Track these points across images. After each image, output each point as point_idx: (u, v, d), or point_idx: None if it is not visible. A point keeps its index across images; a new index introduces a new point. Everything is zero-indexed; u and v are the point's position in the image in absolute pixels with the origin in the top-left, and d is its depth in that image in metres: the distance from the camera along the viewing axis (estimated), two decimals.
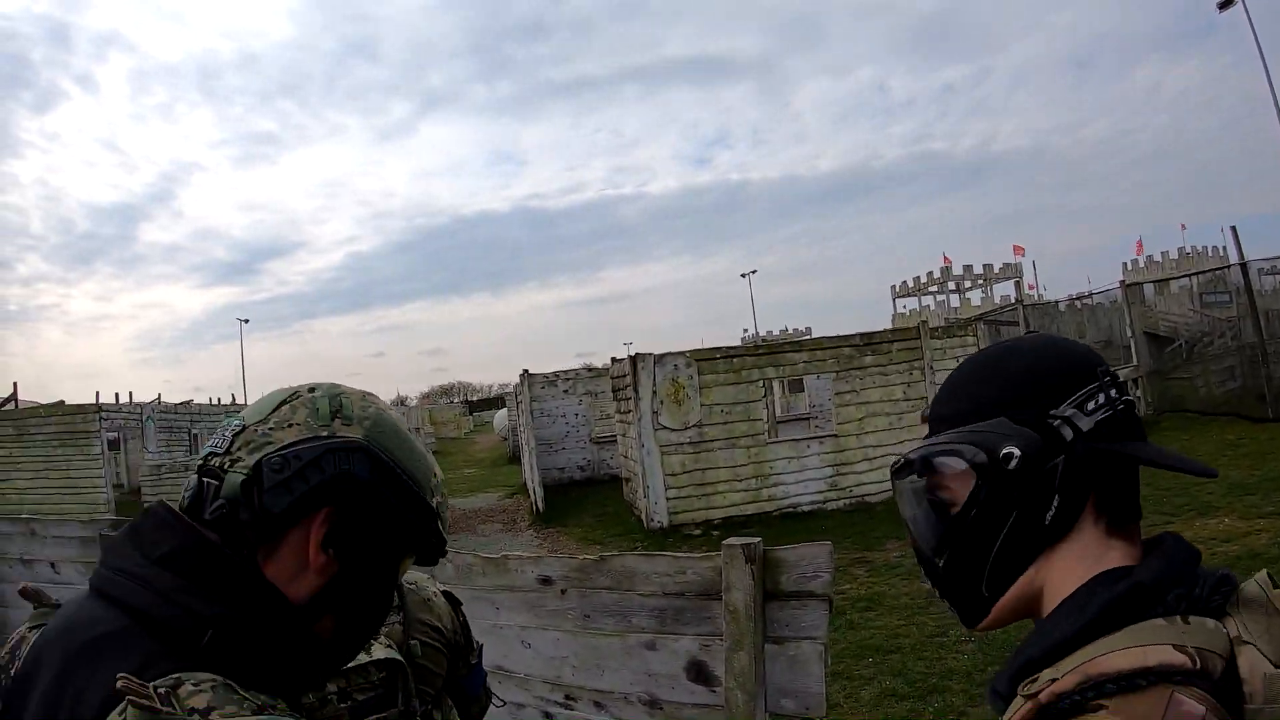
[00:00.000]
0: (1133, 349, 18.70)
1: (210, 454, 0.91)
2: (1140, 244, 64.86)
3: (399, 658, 1.71)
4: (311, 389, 0.97)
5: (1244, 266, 16.39)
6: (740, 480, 12.35)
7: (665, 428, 12.16)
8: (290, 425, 0.92)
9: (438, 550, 1.03)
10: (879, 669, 5.92)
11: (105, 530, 4.52)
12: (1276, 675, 0.69)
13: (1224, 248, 49.67)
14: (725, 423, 12.33)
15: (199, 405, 29.49)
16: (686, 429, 12.22)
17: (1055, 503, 0.83)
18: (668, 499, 12.12)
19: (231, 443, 0.91)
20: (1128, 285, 20.35)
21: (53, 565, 4.80)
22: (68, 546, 4.75)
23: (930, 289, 66.45)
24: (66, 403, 20.75)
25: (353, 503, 0.92)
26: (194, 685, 0.76)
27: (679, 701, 2.90)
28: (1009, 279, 62.97)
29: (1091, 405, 0.84)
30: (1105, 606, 0.77)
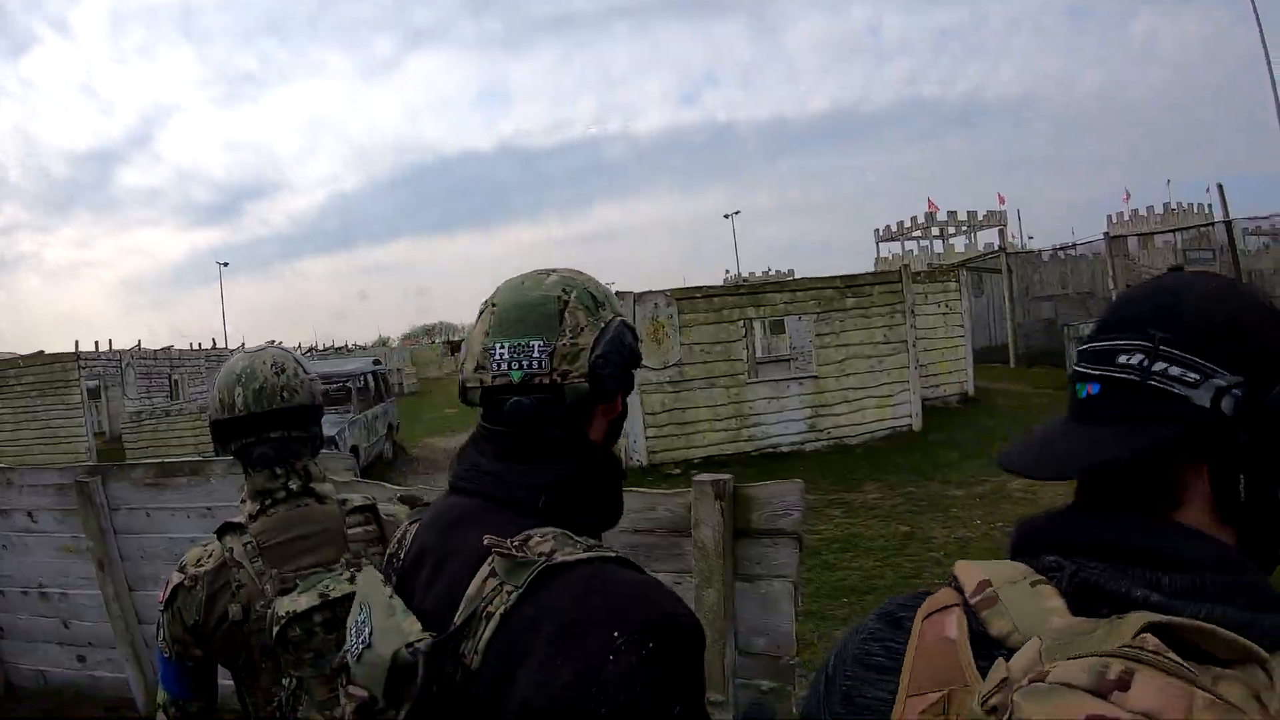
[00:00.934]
0: None
1: (531, 374, 1.09)
2: (1127, 195, 64.61)
3: None
4: (564, 290, 1.14)
5: (1228, 224, 16.41)
6: (720, 420, 12.39)
7: (645, 367, 12.11)
8: (583, 330, 1.11)
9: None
10: (854, 609, 5.97)
11: (80, 477, 4.48)
12: (999, 667, 0.68)
13: (1209, 206, 49.46)
14: (705, 362, 12.31)
15: (180, 350, 29.40)
16: (666, 368, 12.19)
17: None
18: (647, 438, 12.14)
19: (551, 361, 1.09)
20: (1112, 238, 20.34)
21: (30, 514, 4.74)
22: (44, 495, 4.68)
23: (914, 234, 66.30)
24: (46, 353, 20.52)
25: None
26: (540, 537, 1.01)
27: None
28: (993, 226, 62.85)
29: None
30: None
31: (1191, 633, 0.62)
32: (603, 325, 1.13)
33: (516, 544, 1.00)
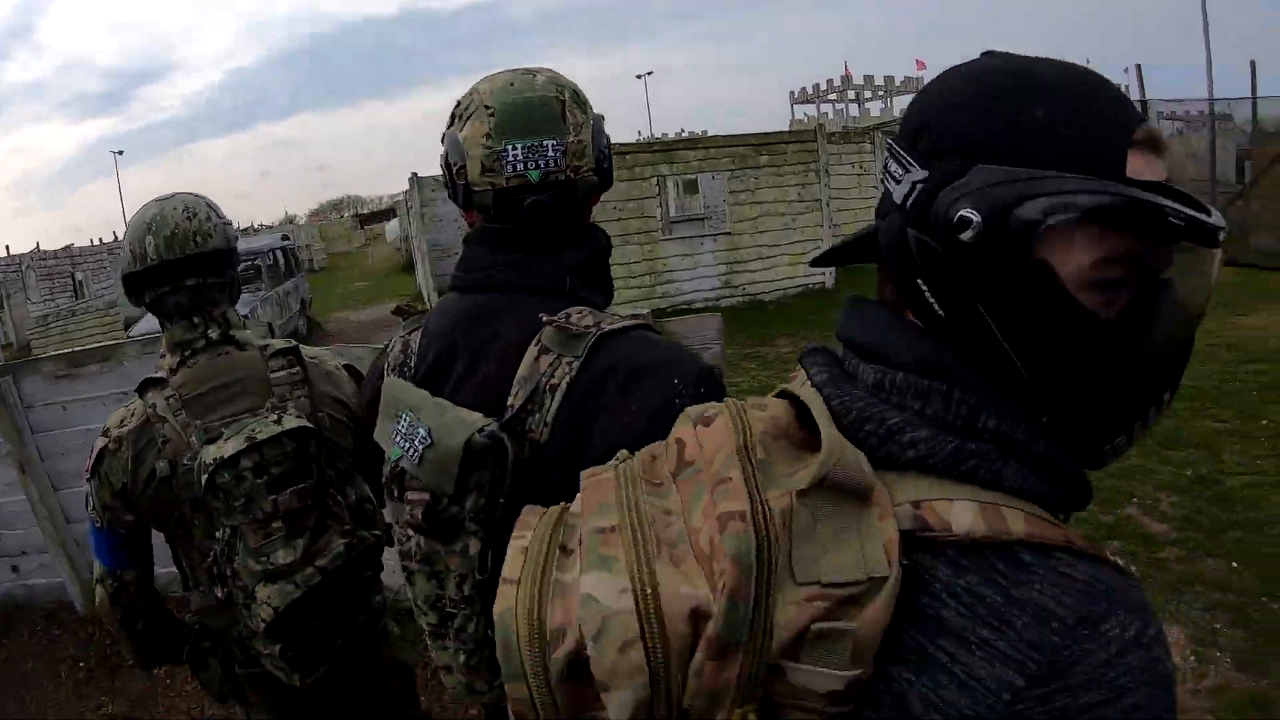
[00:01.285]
0: None
1: (548, 173, 1.14)
2: None
3: (310, 425, 1.69)
4: (559, 89, 1.17)
5: (1144, 104, 16.53)
6: (634, 278, 12.38)
7: None
8: (583, 125, 1.18)
9: None
10: None
11: None
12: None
13: (1126, 86, 49.69)
14: (619, 219, 12.15)
15: (80, 248, 28.33)
16: None
17: None
18: None
19: (565, 157, 1.15)
20: None
21: None
22: None
23: (830, 97, 65.72)
24: None
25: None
26: (578, 313, 1.10)
27: None
28: (909, 93, 62.52)
29: None
30: None
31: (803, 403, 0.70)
32: (593, 121, 1.20)
33: (560, 319, 1.08)
